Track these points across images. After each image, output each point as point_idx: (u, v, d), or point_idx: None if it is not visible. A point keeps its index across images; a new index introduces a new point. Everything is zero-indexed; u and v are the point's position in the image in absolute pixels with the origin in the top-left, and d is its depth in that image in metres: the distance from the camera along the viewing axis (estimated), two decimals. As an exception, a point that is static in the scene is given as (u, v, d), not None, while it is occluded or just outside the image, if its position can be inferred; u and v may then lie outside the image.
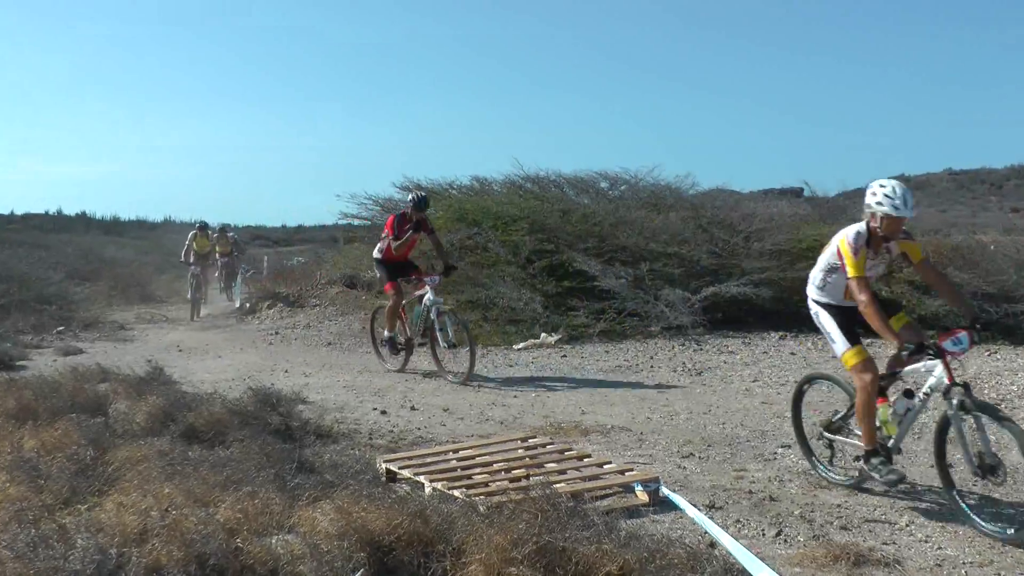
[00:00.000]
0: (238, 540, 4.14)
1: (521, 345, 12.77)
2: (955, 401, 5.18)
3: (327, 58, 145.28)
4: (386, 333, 11.04)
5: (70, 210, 48.73)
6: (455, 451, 6.55)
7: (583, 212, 15.52)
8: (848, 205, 19.67)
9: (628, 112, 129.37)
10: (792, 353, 11.58)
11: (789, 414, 6.66)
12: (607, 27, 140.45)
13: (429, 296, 10.53)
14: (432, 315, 10.49)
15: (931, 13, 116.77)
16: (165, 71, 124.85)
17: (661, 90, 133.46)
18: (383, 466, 6.12)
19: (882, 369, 5.77)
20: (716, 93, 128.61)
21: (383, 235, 10.93)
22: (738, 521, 5.19)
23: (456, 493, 5.35)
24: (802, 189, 22.21)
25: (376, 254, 11.06)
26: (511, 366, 11.42)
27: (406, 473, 5.97)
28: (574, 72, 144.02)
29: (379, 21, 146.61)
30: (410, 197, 11.07)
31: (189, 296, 19.54)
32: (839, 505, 5.47)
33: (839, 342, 5.85)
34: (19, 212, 45.75)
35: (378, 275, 11.28)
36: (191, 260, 19.93)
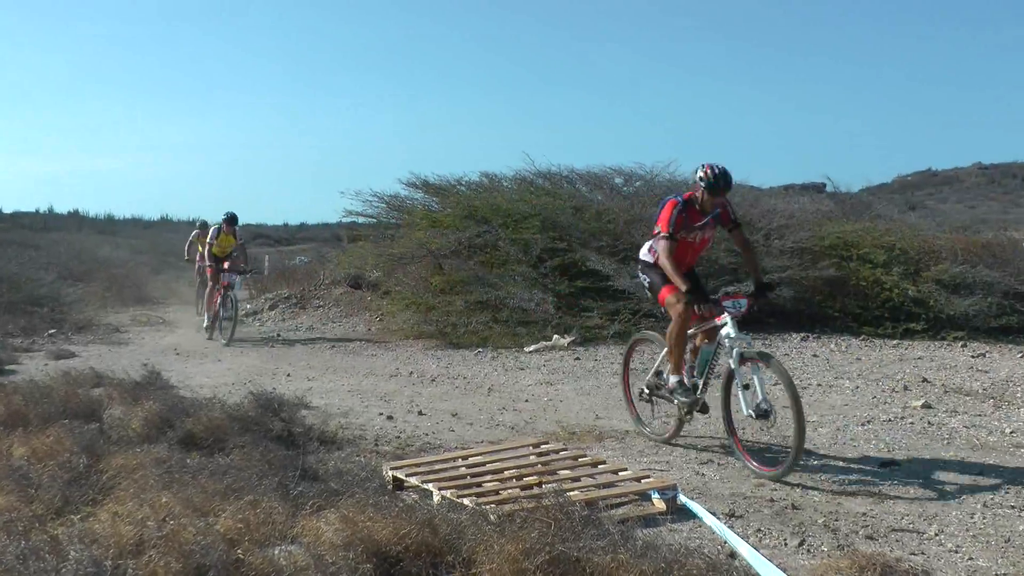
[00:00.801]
0: (239, 551, 4.13)
1: (532, 347, 12.75)
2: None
3: (329, 55, 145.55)
4: (671, 378, 7.20)
5: (62, 208, 48.99)
6: (464, 458, 6.53)
7: (597, 209, 15.49)
8: (873, 200, 19.62)
9: (642, 107, 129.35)
10: (815, 355, 11.54)
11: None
12: (617, 21, 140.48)
13: (728, 330, 6.67)
14: (732, 361, 6.62)
15: (959, 7, 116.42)
16: (163, 68, 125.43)
17: (676, 84, 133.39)
18: (389, 473, 6.10)
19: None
20: (734, 87, 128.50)
21: (655, 231, 7.18)
22: (759, 530, 5.17)
23: (466, 501, 5.33)
24: (824, 184, 22.08)
25: (645, 256, 7.46)
26: (522, 369, 11.40)
27: (413, 481, 5.95)
28: (584, 67, 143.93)
29: (381, 17, 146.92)
30: (700, 174, 6.96)
31: (207, 312, 15.94)
32: (865, 514, 5.44)
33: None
34: (8, 210, 46.01)
35: (647, 281, 7.42)
36: (207, 261, 16.25)
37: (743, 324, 6.73)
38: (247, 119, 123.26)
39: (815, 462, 6.66)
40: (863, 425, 7.87)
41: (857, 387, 9.55)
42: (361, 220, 19.23)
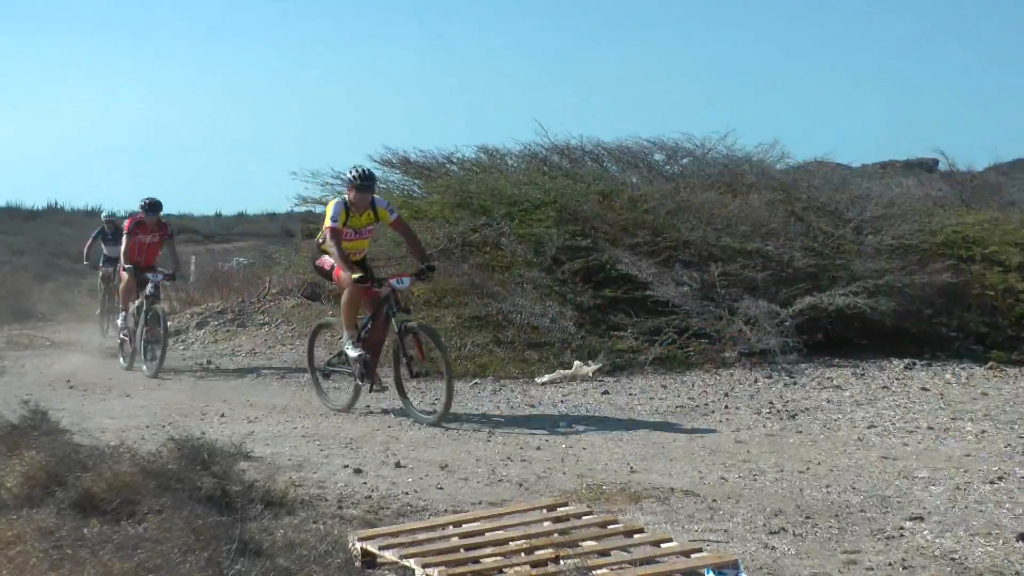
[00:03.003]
0: (155, 650, 4.10)
1: (547, 378, 12.73)
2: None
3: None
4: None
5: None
6: (457, 524, 6.52)
7: (631, 195, 15.49)
8: (1003, 182, 19.54)
9: (689, 61, 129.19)
10: (924, 388, 11.52)
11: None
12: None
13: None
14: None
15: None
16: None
17: (736, 33, 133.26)
18: (358, 546, 6.08)
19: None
20: (813, 35, 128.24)
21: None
22: (852, 623, 5.14)
23: (458, 584, 5.31)
24: (936, 161, 22.05)
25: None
26: (533, 406, 11.40)
27: (390, 555, 5.93)
28: (615, 12, 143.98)
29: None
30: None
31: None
32: (994, 601, 5.40)
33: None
34: None
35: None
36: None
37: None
38: (164, 79, 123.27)
39: (926, 533, 6.62)
40: (992, 483, 7.83)
41: (983, 431, 9.53)
42: (319, 209, 19.23)
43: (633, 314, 13.74)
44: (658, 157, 17.33)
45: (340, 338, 11.70)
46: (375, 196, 11.50)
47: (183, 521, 5.97)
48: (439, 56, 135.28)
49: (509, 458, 9.07)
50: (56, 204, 50.28)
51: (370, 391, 11.49)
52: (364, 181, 11.20)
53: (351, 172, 11.27)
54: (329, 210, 11.26)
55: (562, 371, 12.89)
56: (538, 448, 9.40)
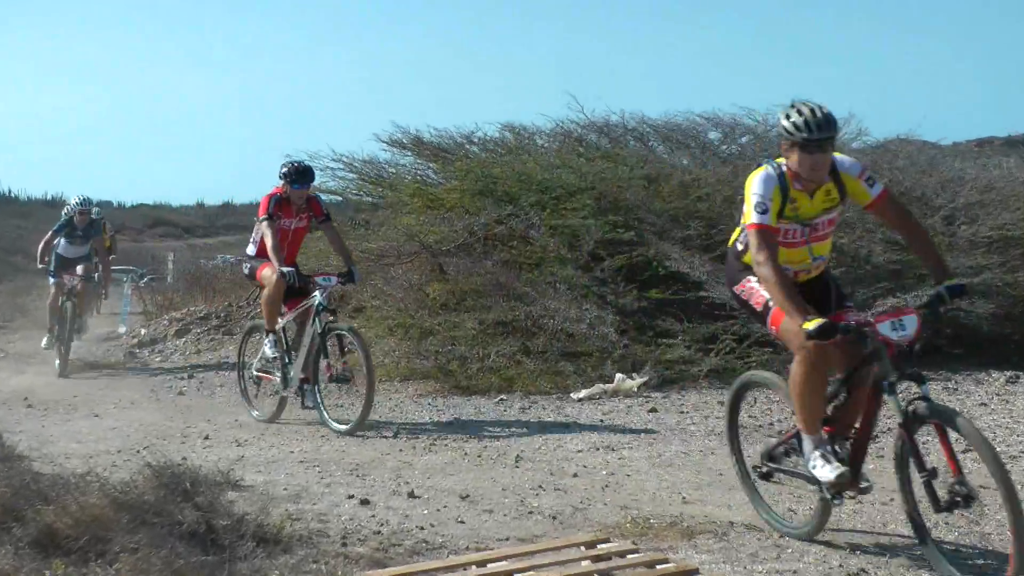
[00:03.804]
0: None
1: (584, 393, 12.73)
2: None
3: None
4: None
5: None
6: (480, 564, 6.53)
7: (681, 179, 15.48)
8: None
9: (750, 24, 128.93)
10: (1029, 404, 11.48)
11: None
12: None
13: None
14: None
15: None
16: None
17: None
18: (364, 589, 6.10)
19: None
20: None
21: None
22: None
23: (482, 633, 5.32)
24: (1043, 138, 22.00)
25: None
26: (568, 426, 11.38)
27: (401, 601, 5.95)
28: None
29: None
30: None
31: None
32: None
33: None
34: None
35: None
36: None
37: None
38: (139, 54, 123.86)
39: (1031, 572, 6.58)
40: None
41: (1104, 458, 9.49)
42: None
43: (684, 319, 13.73)
44: (713, 135, 17.32)
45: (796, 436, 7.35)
46: (836, 156, 7.15)
47: (161, 561, 6.00)
48: (453, 22, 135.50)
49: (541, 486, 9.07)
50: (10, 193, 50.71)
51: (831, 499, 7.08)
52: (817, 132, 6.78)
53: (789, 115, 6.96)
54: (751, 190, 7.24)
55: (602, 385, 12.89)
56: (575, 475, 9.39)
